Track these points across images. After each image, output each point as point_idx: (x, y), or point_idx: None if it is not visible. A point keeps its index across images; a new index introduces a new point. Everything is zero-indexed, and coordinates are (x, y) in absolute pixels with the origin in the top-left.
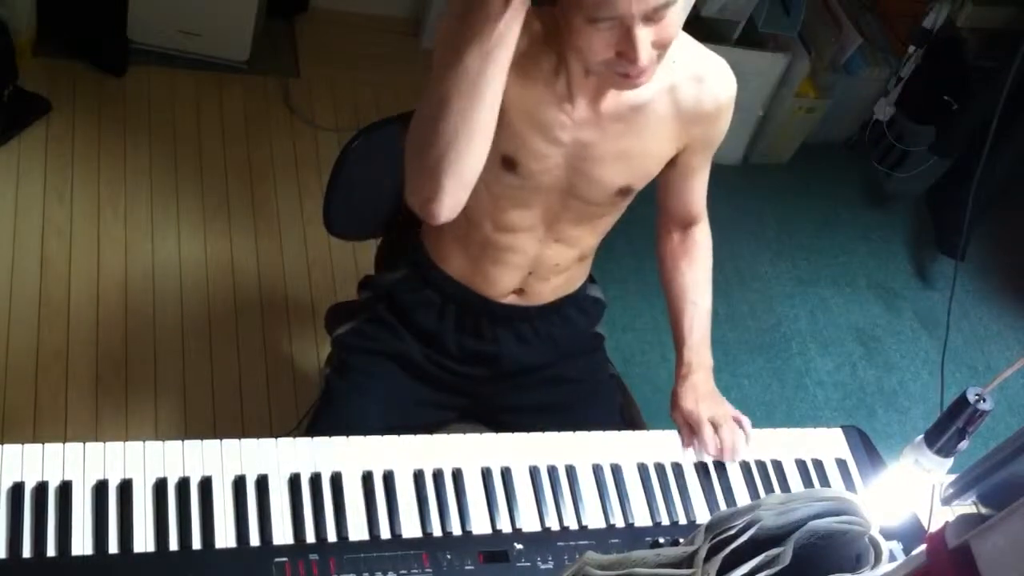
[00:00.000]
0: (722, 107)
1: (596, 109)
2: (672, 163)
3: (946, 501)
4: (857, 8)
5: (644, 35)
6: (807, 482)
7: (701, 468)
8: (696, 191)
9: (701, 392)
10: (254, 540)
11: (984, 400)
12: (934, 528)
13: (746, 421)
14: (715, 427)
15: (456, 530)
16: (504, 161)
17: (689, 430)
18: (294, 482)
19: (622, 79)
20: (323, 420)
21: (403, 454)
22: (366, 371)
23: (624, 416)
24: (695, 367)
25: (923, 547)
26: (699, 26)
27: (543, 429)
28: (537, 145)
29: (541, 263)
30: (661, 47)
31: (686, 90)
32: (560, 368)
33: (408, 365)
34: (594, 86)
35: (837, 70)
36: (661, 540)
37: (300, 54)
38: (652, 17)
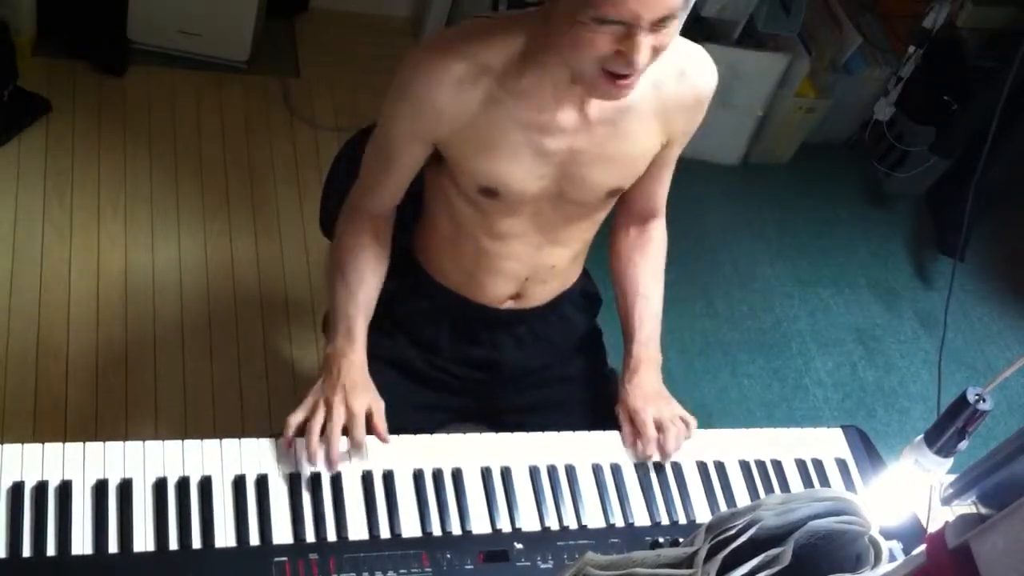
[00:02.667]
0: (703, 99)
1: (584, 114)
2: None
3: (946, 501)
4: (857, 8)
5: (646, 41)
6: (807, 482)
7: (701, 468)
8: (662, 186)
9: (648, 391)
10: (254, 540)
11: (984, 400)
12: (934, 528)
13: (692, 423)
14: (659, 428)
15: (456, 530)
16: (483, 191)
17: (632, 428)
18: (294, 482)
19: (609, 84)
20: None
21: (403, 454)
22: None
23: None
24: (643, 362)
25: (923, 547)
26: (699, 26)
27: (543, 427)
28: (522, 168)
29: (538, 267)
30: (656, 53)
31: (669, 86)
32: (559, 367)
33: (406, 370)
34: (580, 92)
35: (837, 70)
36: (661, 540)
37: (300, 54)
38: (657, 26)
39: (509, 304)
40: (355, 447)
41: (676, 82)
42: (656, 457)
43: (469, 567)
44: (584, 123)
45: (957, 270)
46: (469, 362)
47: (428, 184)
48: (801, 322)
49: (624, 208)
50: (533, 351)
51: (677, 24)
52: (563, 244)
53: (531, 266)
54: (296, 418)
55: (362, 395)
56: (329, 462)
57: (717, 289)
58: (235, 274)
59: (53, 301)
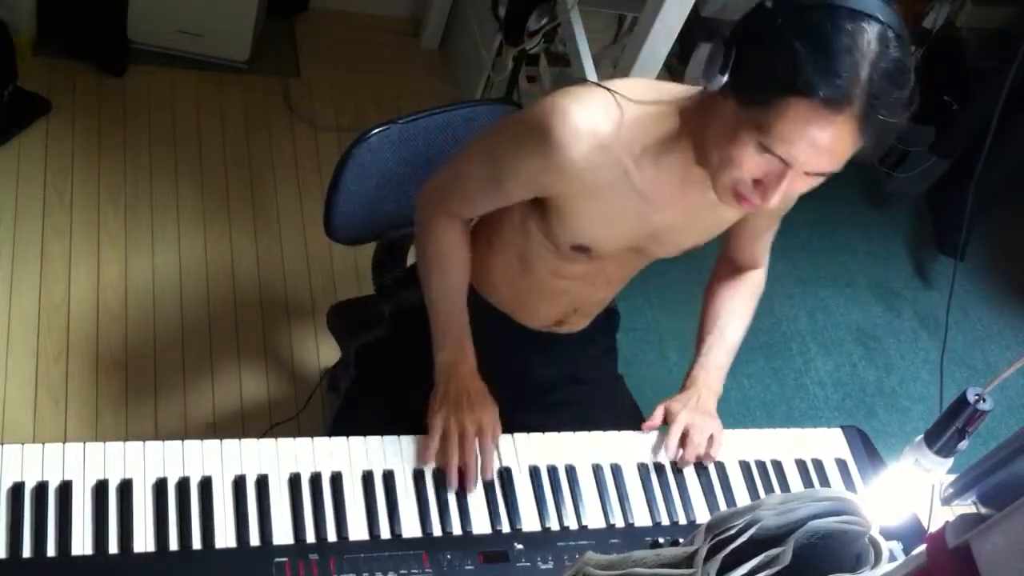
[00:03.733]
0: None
1: (691, 197)
2: (741, 224)
3: (946, 501)
4: None
5: (790, 182)
6: (807, 482)
7: (701, 468)
8: (764, 246)
9: (695, 406)
10: (254, 540)
11: (984, 400)
12: (934, 528)
13: (718, 443)
14: (685, 435)
15: (456, 530)
16: (575, 248)
17: (657, 419)
18: (294, 482)
19: (735, 201)
20: (340, 432)
21: (403, 454)
22: (387, 385)
23: (625, 416)
24: (699, 382)
25: (923, 547)
26: (699, 26)
27: (554, 428)
28: (621, 232)
29: (588, 301)
30: (790, 196)
31: None
32: (576, 375)
33: (427, 379)
34: (707, 181)
35: None
36: (661, 540)
37: (300, 54)
38: (810, 175)
39: (551, 328)
40: (487, 464)
41: None
42: (668, 458)
43: (469, 567)
44: (687, 203)
45: (957, 270)
46: (497, 377)
47: (508, 219)
48: (801, 322)
49: (725, 263)
50: (557, 370)
51: (819, 181)
52: (616, 285)
53: (582, 299)
54: (434, 444)
55: (487, 407)
56: (468, 483)
57: None
58: (235, 274)
59: (53, 301)
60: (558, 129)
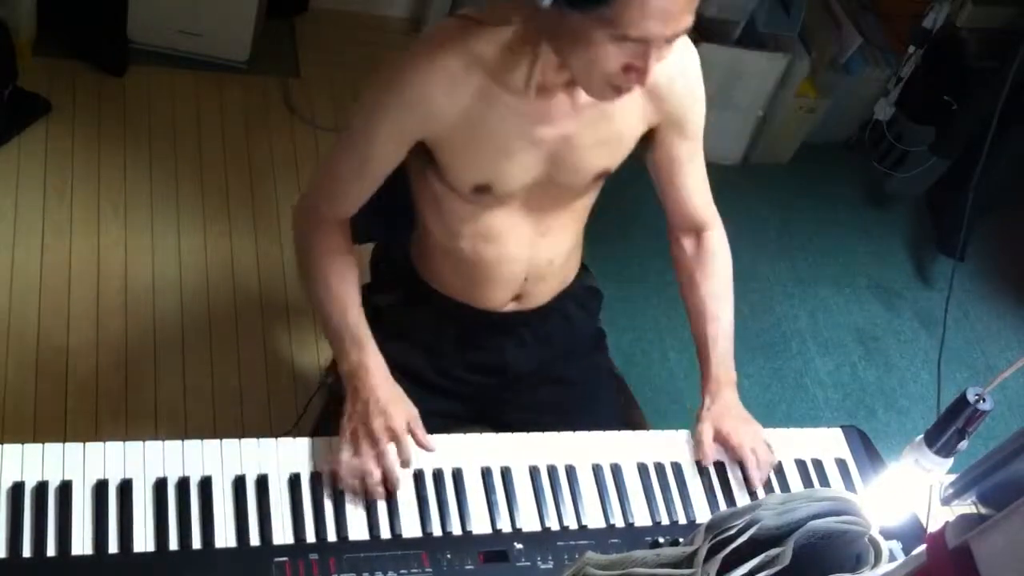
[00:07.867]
0: (687, 68)
1: (574, 100)
2: (652, 154)
3: (946, 501)
4: (857, 8)
5: (656, 56)
6: (807, 482)
7: (701, 468)
8: (692, 190)
9: (736, 414)
10: (254, 540)
11: (984, 400)
12: (934, 528)
13: (772, 446)
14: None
15: (456, 530)
16: (476, 188)
17: (710, 448)
18: (294, 482)
19: (613, 94)
20: (326, 433)
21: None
22: None
23: (625, 416)
24: (724, 383)
25: (923, 547)
26: (699, 26)
27: (548, 429)
28: (515, 160)
29: (535, 264)
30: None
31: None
32: (563, 368)
33: (413, 377)
34: (568, 77)
35: (837, 70)
36: (661, 540)
37: (300, 54)
38: (671, 40)
39: (511, 306)
40: (404, 467)
41: (659, 64)
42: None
43: (469, 567)
44: (574, 108)
45: (957, 270)
46: (476, 368)
47: (418, 192)
48: (801, 322)
49: (669, 220)
50: (534, 349)
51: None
52: (555, 234)
53: (528, 264)
54: (346, 456)
55: (398, 409)
56: (389, 495)
57: None
58: (235, 274)
59: (53, 301)
60: (406, 75)
